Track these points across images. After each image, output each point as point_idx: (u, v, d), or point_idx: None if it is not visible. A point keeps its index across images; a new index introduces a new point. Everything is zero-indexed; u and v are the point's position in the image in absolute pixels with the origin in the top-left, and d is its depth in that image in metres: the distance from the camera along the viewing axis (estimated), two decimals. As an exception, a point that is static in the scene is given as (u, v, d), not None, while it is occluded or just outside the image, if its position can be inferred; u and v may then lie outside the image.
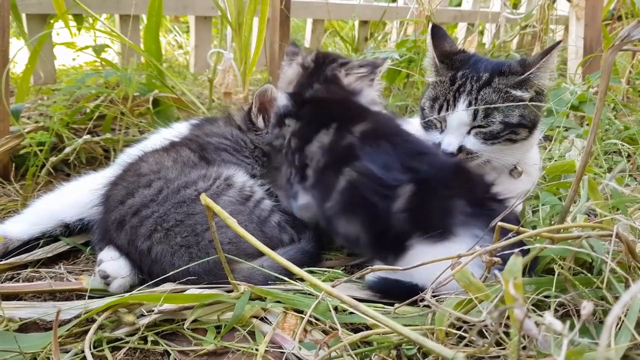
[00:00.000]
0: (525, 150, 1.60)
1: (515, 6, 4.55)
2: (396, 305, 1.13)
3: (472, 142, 1.49)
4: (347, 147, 1.37)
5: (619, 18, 3.78)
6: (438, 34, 1.62)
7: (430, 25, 1.60)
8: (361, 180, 1.31)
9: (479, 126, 1.48)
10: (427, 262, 1.13)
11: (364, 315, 0.90)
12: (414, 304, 1.13)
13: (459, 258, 1.04)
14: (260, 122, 1.58)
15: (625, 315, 0.89)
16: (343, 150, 1.38)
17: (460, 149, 1.49)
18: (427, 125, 1.58)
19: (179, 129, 1.80)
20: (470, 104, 1.47)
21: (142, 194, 1.31)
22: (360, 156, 1.33)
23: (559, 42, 1.52)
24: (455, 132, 1.50)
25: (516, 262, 0.82)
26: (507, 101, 1.45)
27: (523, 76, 1.46)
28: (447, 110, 1.51)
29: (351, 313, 1.12)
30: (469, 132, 1.50)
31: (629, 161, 1.99)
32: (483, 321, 0.89)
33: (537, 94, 1.51)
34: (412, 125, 1.77)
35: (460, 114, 1.48)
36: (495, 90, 1.47)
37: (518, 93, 1.47)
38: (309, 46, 3.99)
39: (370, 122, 1.44)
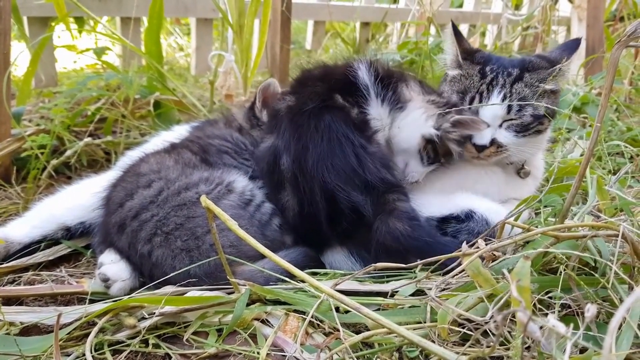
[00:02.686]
0: (540, 146, 1.63)
1: (517, 7, 4.55)
2: (397, 299, 1.15)
3: (504, 135, 1.51)
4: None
5: (621, 19, 3.77)
6: (457, 31, 1.63)
7: (451, 23, 1.61)
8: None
9: (510, 119, 1.50)
10: (431, 259, 1.13)
11: (366, 317, 0.90)
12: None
13: (463, 255, 1.04)
14: (264, 117, 1.58)
15: (627, 317, 0.88)
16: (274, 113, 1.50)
17: (492, 141, 1.50)
18: None
19: (179, 132, 1.80)
20: (505, 97, 1.49)
21: (142, 195, 1.30)
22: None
23: (579, 39, 1.55)
24: None
25: (525, 266, 0.82)
26: (537, 95, 1.50)
27: (550, 69, 1.51)
28: (479, 102, 1.52)
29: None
30: (500, 125, 1.51)
31: (632, 162, 1.98)
32: (487, 322, 0.88)
33: (553, 91, 1.55)
34: None
35: (495, 107, 1.49)
36: (527, 85, 1.51)
37: (547, 86, 1.51)
38: (310, 48, 3.99)
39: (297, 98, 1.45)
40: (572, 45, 1.57)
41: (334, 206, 1.33)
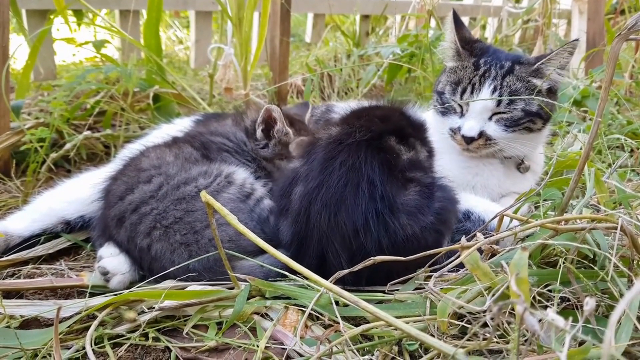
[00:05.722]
0: (536, 144, 1.63)
1: (518, 0, 4.53)
2: (396, 294, 1.15)
3: (494, 129, 1.51)
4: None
5: (622, 12, 3.75)
6: (458, 21, 1.63)
7: (451, 12, 1.62)
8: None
9: (500, 112, 1.50)
10: (427, 252, 1.13)
11: (365, 311, 0.90)
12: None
13: (462, 248, 1.04)
14: (259, 134, 1.57)
15: (627, 309, 0.88)
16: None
17: (481, 134, 1.50)
18: (446, 110, 1.58)
19: (181, 125, 1.80)
20: (495, 89, 1.49)
21: (142, 189, 1.30)
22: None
23: (574, 40, 1.54)
24: (477, 117, 1.51)
25: (522, 257, 0.82)
26: (528, 89, 1.49)
27: (535, 65, 1.51)
28: (471, 93, 1.52)
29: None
30: (490, 118, 1.51)
31: (632, 156, 1.98)
32: (485, 313, 0.88)
33: (549, 91, 1.55)
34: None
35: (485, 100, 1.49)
36: (518, 79, 1.51)
37: (537, 81, 1.51)
38: (310, 41, 3.98)
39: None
40: (560, 47, 1.56)
41: (321, 262, 1.22)
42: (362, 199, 1.19)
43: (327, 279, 1.03)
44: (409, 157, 1.32)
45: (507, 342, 0.98)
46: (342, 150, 1.25)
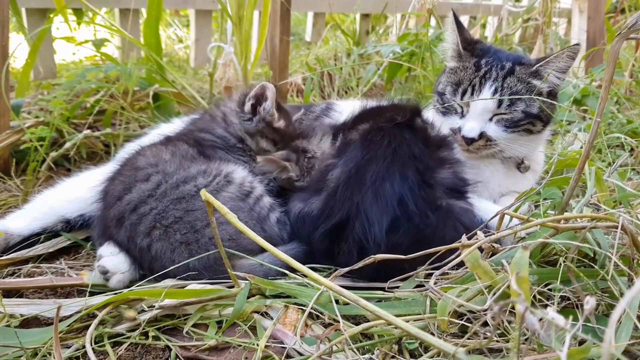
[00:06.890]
0: (536, 145, 1.63)
1: (518, -1, 4.52)
2: (396, 292, 1.15)
3: (494, 129, 1.51)
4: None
5: (622, 11, 3.75)
6: (459, 22, 1.63)
7: (451, 13, 1.62)
8: None
9: (501, 113, 1.50)
10: (429, 250, 1.13)
11: (365, 309, 0.90)
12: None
13: (463, 247, 1.04)
14: (247, 107, 1.56)
15: (627, 309, 0.88)
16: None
17: (481, 135, 1.50)
18: (447, 110, 1.58)
19: (181, 124, 1.80)
20: (496, 91, 1.49)
21: (140, 188, 1.30)
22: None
23: (576, 45, 1.54)
24: (477, 118, 1.51)
25: (523, 256, 0.82)
26: (529, 91, 1.49)
27: (535, 67, 1.51)
28: (471, 94, 1.52)
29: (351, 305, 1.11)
30: (490, 119, 1.51)
31: (632, 155, 1.98)
32: (485, 311, 0.88)
33: (549, 94, 1.55)
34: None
35: (486, 100, 1.49)
36: (519, 80, 1.51)
37: (537, 83, 1.51)
38: (310, 40, 3.98)
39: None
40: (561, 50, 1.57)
41: (335, 235, 1.28)
42: (410, 172, 1.27)
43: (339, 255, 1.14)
44: (435, 134, 1.44)
45: (508, 341, 0.98)
46: (386, 133, 1.34)
